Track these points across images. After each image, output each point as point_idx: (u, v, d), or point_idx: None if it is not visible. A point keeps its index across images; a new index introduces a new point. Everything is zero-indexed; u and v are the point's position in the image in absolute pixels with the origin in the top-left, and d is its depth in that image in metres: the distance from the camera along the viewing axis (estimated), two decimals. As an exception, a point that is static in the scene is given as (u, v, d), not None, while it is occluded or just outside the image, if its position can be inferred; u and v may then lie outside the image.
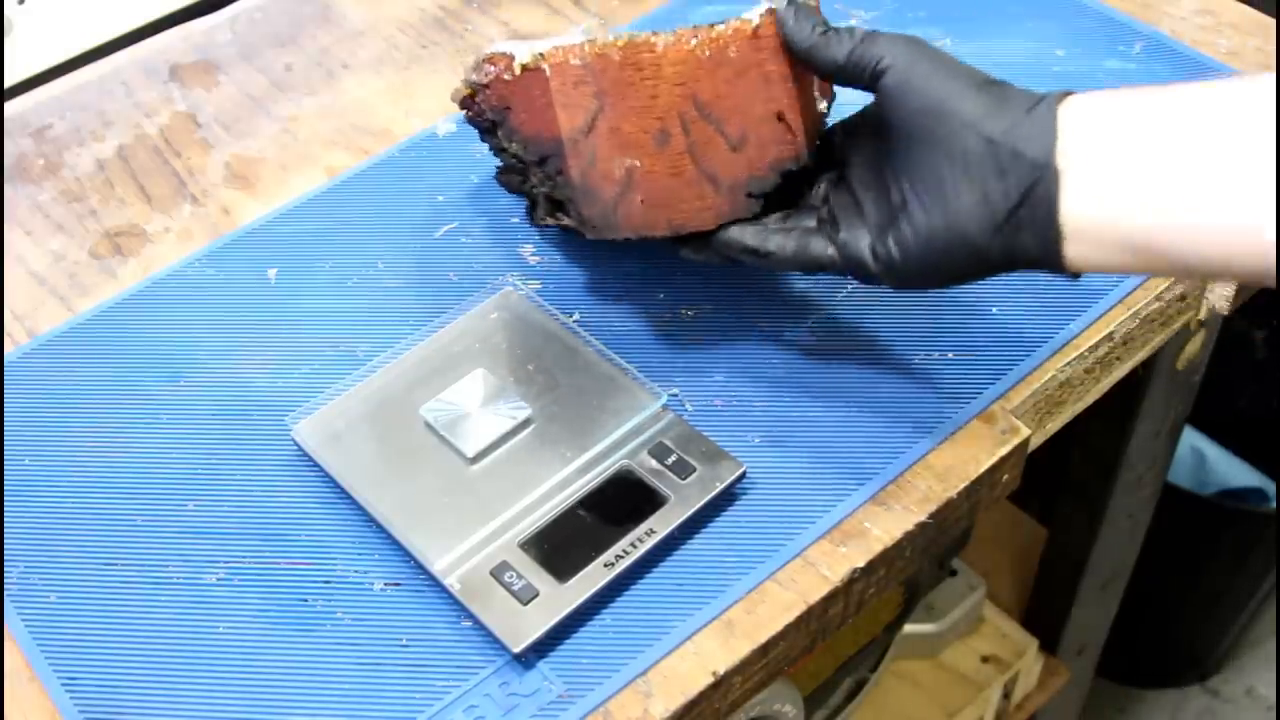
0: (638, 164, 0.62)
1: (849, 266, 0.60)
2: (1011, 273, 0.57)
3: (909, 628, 1.10)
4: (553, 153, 0.63)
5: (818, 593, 0.60)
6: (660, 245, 0.65)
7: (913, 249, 0.57)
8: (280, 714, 0.58)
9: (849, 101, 0.63)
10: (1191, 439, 1.53)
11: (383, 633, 0.60)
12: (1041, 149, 0.53)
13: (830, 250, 0.60)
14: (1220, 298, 0.76)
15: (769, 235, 0.62)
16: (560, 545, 0.61)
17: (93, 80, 0.90)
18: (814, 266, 0.61)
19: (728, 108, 0.62)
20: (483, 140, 0.71)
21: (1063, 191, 0.53)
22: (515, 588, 0.59)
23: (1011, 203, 0.54)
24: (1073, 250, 0.54)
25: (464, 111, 0.69)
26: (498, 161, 0.72)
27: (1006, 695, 1.15)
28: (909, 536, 0.63)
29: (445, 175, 0.81)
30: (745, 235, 0.63)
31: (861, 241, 0.59)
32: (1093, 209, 0.53)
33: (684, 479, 0.63)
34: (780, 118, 0.62)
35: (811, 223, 0.62)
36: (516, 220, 0.77)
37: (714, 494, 0.62)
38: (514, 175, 0.71)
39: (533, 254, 0.75)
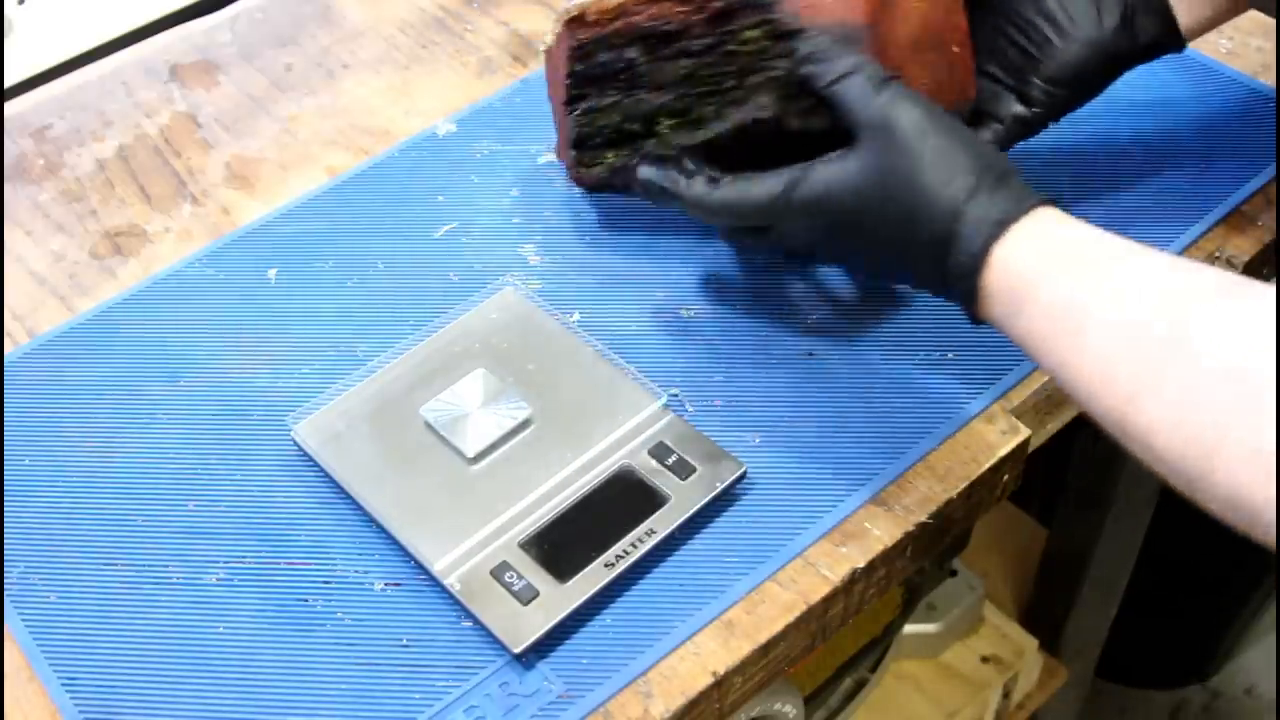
0: None
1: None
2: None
3: (909, 628, 1.10)
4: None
5: (818, 593, 0.60)
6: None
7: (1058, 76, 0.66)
8: (280, 714, 0.58)
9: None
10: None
11: (383, 633, 0.60)
12: None
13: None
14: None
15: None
16: (560, 545, 0.61)
17: (93, 80, 0.90)
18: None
19: None
20: (579, 100, 0.69)
21: None
22: (515, 588, 0.59)
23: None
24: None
25: (578, 65, 0.68)
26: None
27: (1006, 695, 1.15)
28: (909, 536, 0.63)
29: (445, 175, 0.81)
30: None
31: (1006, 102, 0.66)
32: None
33: (684, 479, 0.63)
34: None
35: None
36: (517, 220, 0.77)
37: (714, 494, 0.62)
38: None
39: (533, 254, 0.75)
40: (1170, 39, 0.67)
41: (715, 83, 0.66)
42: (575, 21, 0.67)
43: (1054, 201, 0.57)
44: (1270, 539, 0.46)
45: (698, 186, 0.64)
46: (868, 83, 0.59)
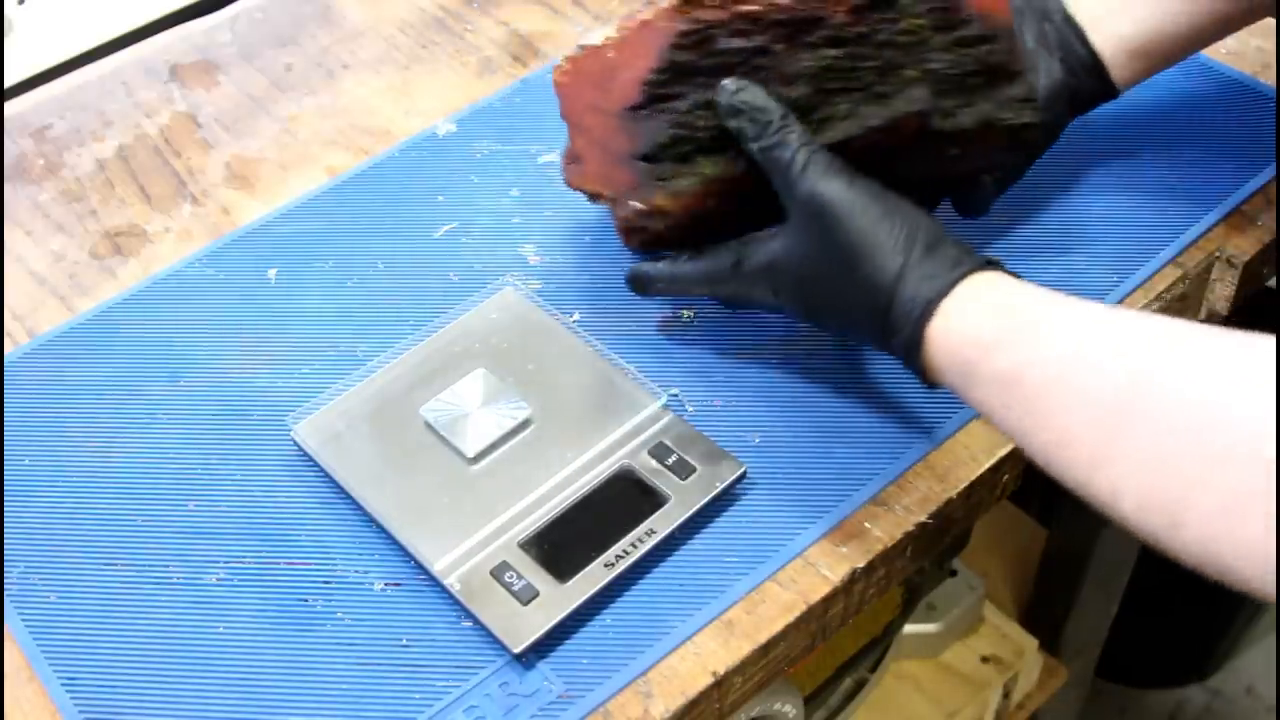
0: None
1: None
2: None
3: (909, 628, 1.10)
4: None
5: (818, 593, 0.60)
6: None
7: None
8: (280, 714, 0.58)
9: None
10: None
11: (383, 633, 0.60)
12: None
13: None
14: (1220, 299, 0.76)
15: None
16: (560, 545, 0.61)
17: (93, 80, 0.90)
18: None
19: None
20: (668, 99, 0.63)
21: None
22: (515, 588, 0.59)
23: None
24: None
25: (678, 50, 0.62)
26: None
27: (1006, 695, 1.15)
28: (909, 537, 0.63)
29: (445, 175, 0.81)
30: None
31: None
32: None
33: (684, 479, 0.63)
34: None
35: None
36: (517, 220, 0.77)
37: (714, 494, 0.62)
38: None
39: (533, 254, 0.75)
40: (1108, 90, 0.70)
41: (855, 77, 0.62)
42: (693, 2, 0.61)
43: (993, 263, 0.57)
44: (1243, 588, 0.46)
45: (664, 266, 0.66)
46: (797, 157, 0.60)
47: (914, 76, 0.63)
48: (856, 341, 0.66)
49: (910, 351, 0.57)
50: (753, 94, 0.61)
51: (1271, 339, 0.46)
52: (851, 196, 0.58)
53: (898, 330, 0.57)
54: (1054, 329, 0.52)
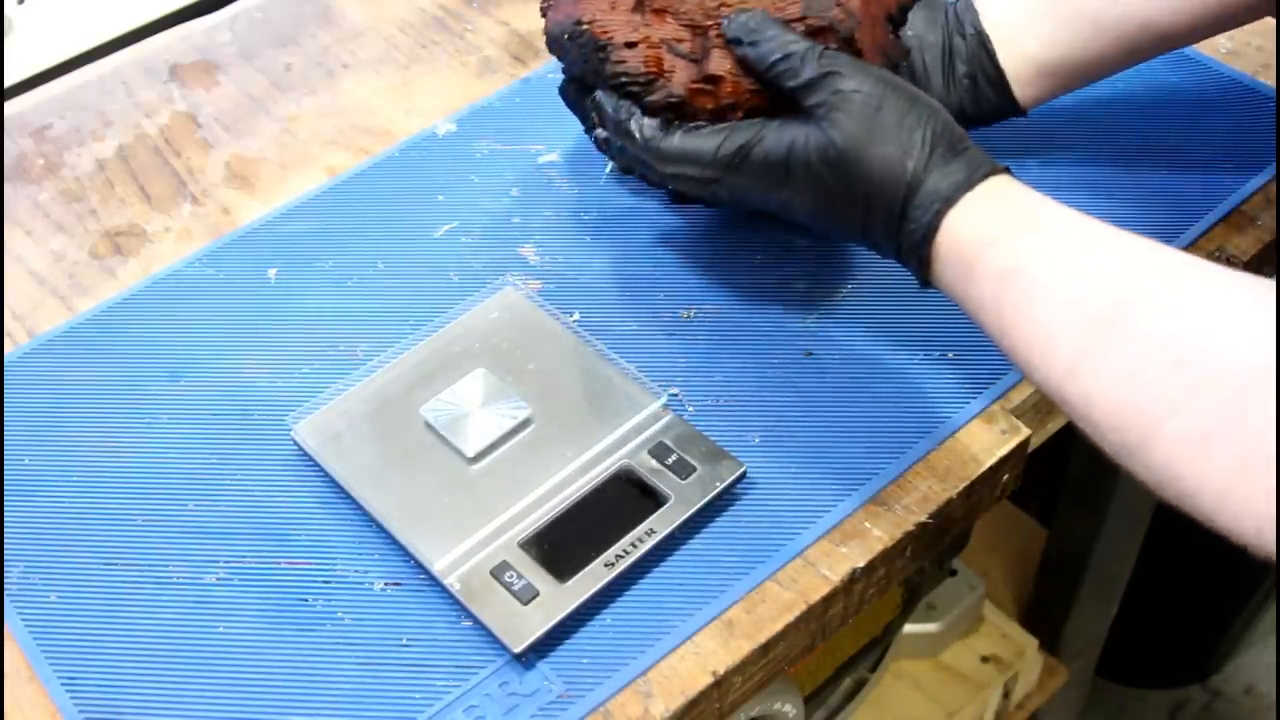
0: None
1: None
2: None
3: (909, 628, 1.10)
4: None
5: (818, 593, 0.60)
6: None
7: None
8: (280, 714, 0.58)
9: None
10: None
11: (383, 633, 0.60)
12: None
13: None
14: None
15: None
16: (560, 545, 0.61)
17: (93, 80, 0.90)
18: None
19: None
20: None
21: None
22: (515, 588, 0.59)
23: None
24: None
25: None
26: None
27: (1006, 695, 1.15)
28: (909, 536, 0.63)
29: (445, 175, 0.81)
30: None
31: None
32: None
33: (684, 479, 0.63)
34: None
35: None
36: (517, 220, 0.77)
37: (714, 494, 0.62)
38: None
39: (533, 254, 0.75)
40: (1011, 107, 0.71)
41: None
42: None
43: (1007, 170, 0.58)
44: (1197, 516, 0.46)
45: (649, 127, 0.64)
46: (813, 61, 0.59)
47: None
48: (849, 239, 0.63)
49: (920, 244, 0.57)
50: (759, 19, 0.61)
51: (1268, 284, 0.47)
52: (882, 89, 0.58)
53: (914, 221, 0.57)
54: (1056, 234, 0.53)
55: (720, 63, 0.62)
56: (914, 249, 0.58)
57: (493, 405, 0.66)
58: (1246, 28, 0.86)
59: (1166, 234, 0.74)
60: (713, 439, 0.64)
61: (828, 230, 0.63)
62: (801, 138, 0.60)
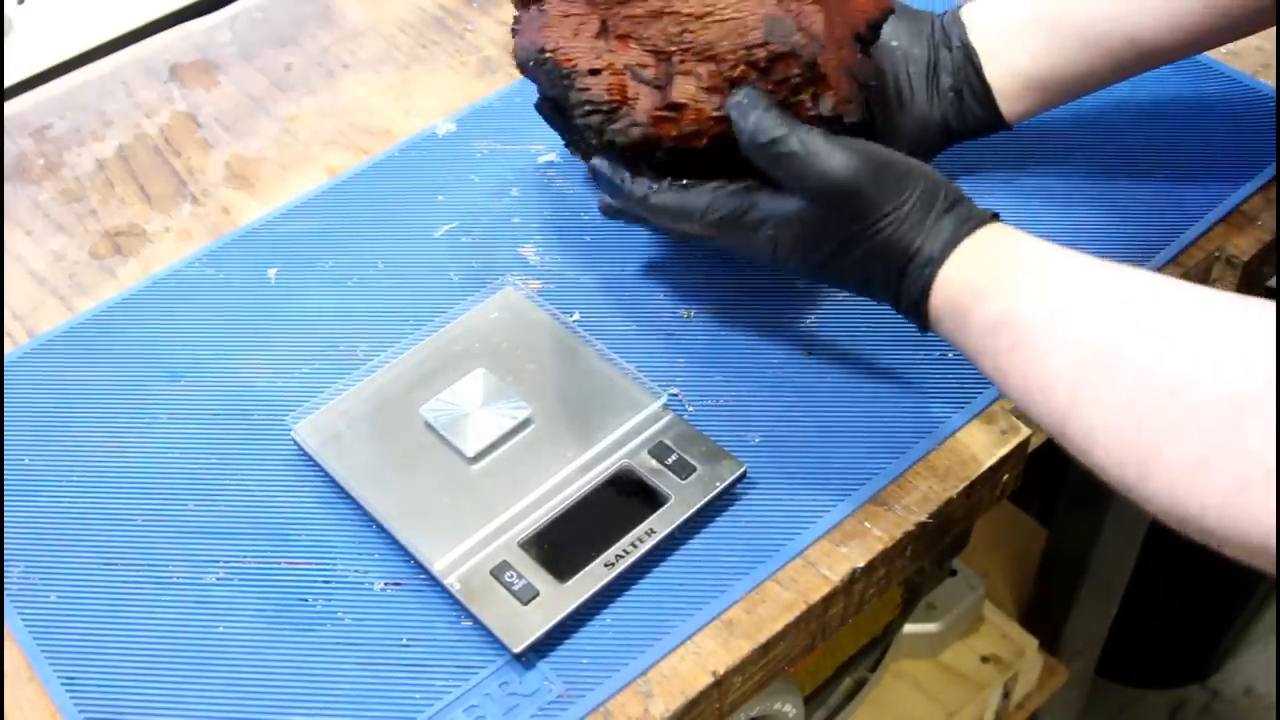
0: None
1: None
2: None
3: (909, 628, 1.10)
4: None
5: (818, 593, 0.60)
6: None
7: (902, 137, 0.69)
8: (280, 714, 0.58)
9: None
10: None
11: (383, 633, 0.60)
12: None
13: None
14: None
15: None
16: (560, 545, 0.61)
17: (93, 80, 0.90)
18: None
19: None
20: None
21: None
22: (515, 588, 0.59)
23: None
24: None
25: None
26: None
27: (1006, 695, 1.15)
28: (909, 536, 0.63)
29: (445, 175, 0.81)
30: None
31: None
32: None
33: (684, 479, 0.63)
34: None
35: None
36: (517, 220, 0.77)
37: (714, 494, 0.62)
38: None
39: (533, 254, 0.75)
40: (996, 121, 0.71)
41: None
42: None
43: (996, 217, 0.58)
44: (1204, 540, 0.47)
45: (640, 187, 0.64)
46: (801, 144, 0.59)
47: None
48: (849, 292, 0.64)
49: (915, 305, 0.59)
50: (750, 98, 0.61)
51: (1258, 304, 0.47)
52: (863, 165, 0.59)
53: (907, 285, 0.58)
54: (1044, 279, 0.54)
55: (683, 89, 0.62)
56: (911, 306, 0.59)
57: (493, 405, 0.66)
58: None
59: (1166, 234, 0.74)
60: (713, 439, 0.64)
61: (824, 282, 0.65)
62: (794, 213, 0.60)
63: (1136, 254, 0.73)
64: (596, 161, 0.66)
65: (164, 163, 0.84)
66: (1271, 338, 0.45)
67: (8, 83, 0.89)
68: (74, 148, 0.85)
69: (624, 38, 0.64)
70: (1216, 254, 0.74)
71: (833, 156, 0.59)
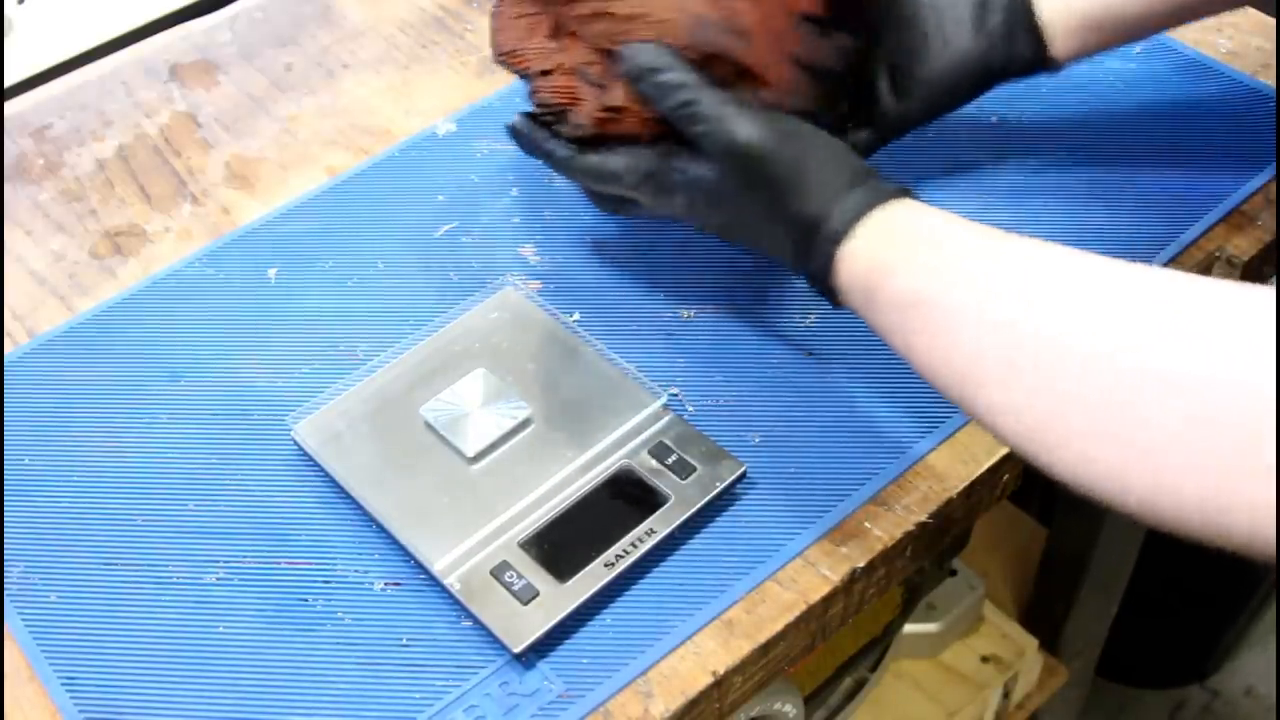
0: None
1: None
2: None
3: (909, 628, 1.10)
4: None
5: (818, 593, 0.60)
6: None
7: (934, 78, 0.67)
8: (280, 714, 0.58)
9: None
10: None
11: (383, 633, 0.60)
12: None
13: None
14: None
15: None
16: (560, 545, 0.61)
17: (93, 80, 0.90)
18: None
19: None
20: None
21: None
22: (515, 588, 0.59)
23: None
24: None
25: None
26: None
27: (1006, 695, 1.15)
28: (909, 536, 0.63)
29: (445, 175, 0.81)
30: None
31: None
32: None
33: (684, 479, 0.63)
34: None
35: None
36: (517, 220, 0.77)
37: (714, 494, 0.62)
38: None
39: (533, 254, 0.75)
40: (1043, 61, 0.68)
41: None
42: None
43: (908, 192, 0.58)
44: (1112, 505, 0.47)
45: (561, 149, 0.65)
46: (707, 108, 0.60)
47: None
48: (775, 262, 0.64)
49: (822, 279, 0.59)
50: (654, 56, 0.61)
51: (1185, 279, 0.48)
52: (773, 136, 0.59)
53: (813, 259, 0.58)
54: (953, 255, 0.54)
55: (620, 92, 0.62)
56: (819, 281, 0.59)
57: (492, 405, 0.66)
58: (1246, 28, 0.86)
59: (1166, 234, 0.74)
60: (713, 439, 0.64)
61: (743, 246, 0.65)
62: (705, 176, 0.61)
63: (1137, 254, 0.73)
64: (517, 120, 0.66)
65: (164, 163, 0.84)
66: (1187, 313, 0.46)
67: (8, 83, 0.89)
68: (74, 148, 0.85)
69: (573, 35, 0.64)
70: (1216, 254, 0.74)
71: (739, 121, 0.59)
